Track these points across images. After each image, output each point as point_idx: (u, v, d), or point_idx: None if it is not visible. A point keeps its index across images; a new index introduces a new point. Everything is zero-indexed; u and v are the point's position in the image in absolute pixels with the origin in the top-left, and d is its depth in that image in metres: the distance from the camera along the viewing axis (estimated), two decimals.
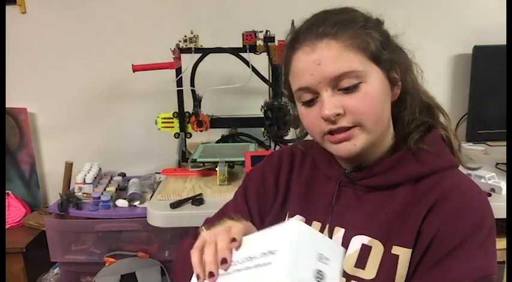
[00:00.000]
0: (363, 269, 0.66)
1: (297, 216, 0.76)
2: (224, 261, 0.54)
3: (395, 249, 0.66)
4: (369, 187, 0.72)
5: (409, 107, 0.72)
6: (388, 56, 0.67)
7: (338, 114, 0.65)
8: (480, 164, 0.85)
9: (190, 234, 0.75)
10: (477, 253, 0.63)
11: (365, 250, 0.67)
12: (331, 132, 0.67)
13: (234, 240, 0.55)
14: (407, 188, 0.69)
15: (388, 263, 0.65)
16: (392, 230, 0.67)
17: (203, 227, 0.71)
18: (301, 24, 0.70)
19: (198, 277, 0.55)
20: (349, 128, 0.66)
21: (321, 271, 0.45)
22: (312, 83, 0.65)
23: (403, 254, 0.65)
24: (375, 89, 0.66)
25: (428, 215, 0.66)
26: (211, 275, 0.53)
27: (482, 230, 0.64)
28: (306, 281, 0.43)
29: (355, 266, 0.67)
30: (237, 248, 0.54)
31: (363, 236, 0.68)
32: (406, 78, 0.71)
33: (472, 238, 0.63)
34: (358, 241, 0.68)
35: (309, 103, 0.68)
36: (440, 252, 0.64)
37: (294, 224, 0.47)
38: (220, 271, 0.53)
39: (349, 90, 0.65)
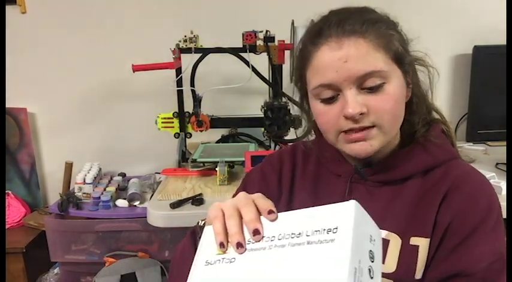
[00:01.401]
0: (383, 263, 0.66)
1: None
2: (257, 232, 0.49)
3: (414, 240, 0.67)
4: (380, 182, 0.73)
5: (418, 110, 0.73)
6: (409, 58, 0.68)
7: (362, 113, 0.64)
8: (479, 166, 0.88)
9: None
10: (490, 236, 0.65)
11: (383, 244, 0.67)
12: (348, 131, 0.66)
13: (271, 212, 0.51)
14: (416, 181, 0.71)
15: (408, 254, 0.67)
16: (408, 221, 0.68)
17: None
18: (320, 19, 0.69)
19: (221, 245, 0.50)
20: (366, 128, 0.66)
21: (372, 251, 0.46)
22: (336, 80, 0.64)
23: (423, 244, 0.67)
24: (396, 90, 0.66)
25: (442, 203, 0.68)
26: (240, 245, 0.49)
27: (493, 214, 0.66)
28: (365, 260, 0.44)
29: None
30: (273, 220, 0.51)
31: (380, 230, 0.68)
32: (416, 81, 0.72)
33: (485, 223, 0.65)
34: None
35: (329, 100, 0.67)
36: (455, 239, 0.65)
37: (352, 204, 0.46)
38: (252, 245, 0.49)
39: (373, 90, 0.64)
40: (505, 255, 0.66)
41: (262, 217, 0.52)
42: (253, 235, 0.50)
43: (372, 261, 0.45)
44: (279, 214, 0.51)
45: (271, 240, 0.48)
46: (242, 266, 0.48)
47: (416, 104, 0.73)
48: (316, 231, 0.46)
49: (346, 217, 0.45)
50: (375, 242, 0.47)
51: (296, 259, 0.45)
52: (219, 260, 0.50)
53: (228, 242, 0.51)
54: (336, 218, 0.46)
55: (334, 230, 0.45)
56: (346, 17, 0.65)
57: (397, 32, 0.68)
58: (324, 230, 0.45)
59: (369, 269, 0.44)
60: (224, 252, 0.50)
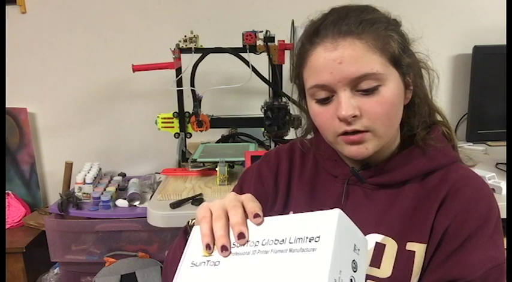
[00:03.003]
0: (378, 268, 0.66)
1: None
2: (242, 236, 0.49)
3: (411, 246, 0.66)
4: (378, 185, 0.72)
5: (419, 112, 0.72)
6: (407, 60, 0.66)
7: (355, 116, 0.64)
8: (479, 166, 0.87)
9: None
10: (488, 243, 0.64)
11: (379, 248, 0.67)
12: (344, 134, 0.66)
13: (256, 215, 0.51)
14: (415, 184, 0.70)
15: (404, 259, 0.66)
16: (405, 226, 0.67)
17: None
18: (319, 17, 0.68)
19: (208, 247, 0.51)
20: (361, 132, 0.65)
21: (355, 261, 0.45)
22: (330, 81, 0.63)
23: (419, 250, 0.66)
24: (392, 93, 0.65)
25: (440, 208, 0.67)
26: (224, 248, 0.49)
27: (491, 220, 0.66)
28: (347, 270, 0.44)
29: (369, 265, 0.67)
30: (259, 224, 0.51)
31: (376, 234, 0.68)
32: (418, 82, 0.70)
33: (482, 229, 0.65)
34: (371, 240, 0.68)
35: (324, 101, 0.66)
36: (453, 244, 0.65)
37: (336, 213, 0.46)
38: (237, 249, 0.50)
39: (368, 92, 0.63)
40: (503, 262, 0.65)
41: (249, 220, 0.52)
42: (238, 239, 0.50)
43: (355, 271, 0.45)
44: (266, 218, 0.51)
45: (255, 246, 0.49)
46: (225, 270, 0.48)
47: (418, 106, 0.71)
48: (299, 238, 0.46)
49: (328, 226, 0.45)
50: (359, 251, 0.47)
51: (277, 267, 0.45)
52: (204, 262, 0.51)
53: (214, 243, 0.51)
54: (319, 227, 0.46)
55: (317, 239, 0.45)
56: (344, 16, 0.64)
57: (397, 32, 0.67)
58: (307, 238, 0.46)
59: (351, 279, 0.44)
60: (210, 254, 0.51)
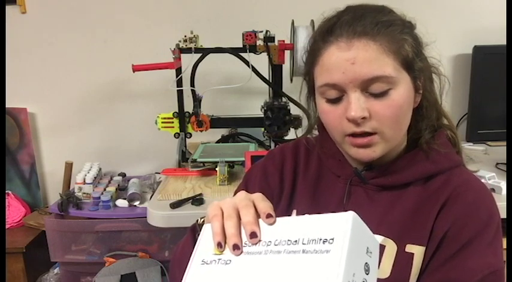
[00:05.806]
0: (378, 268, 0.66)
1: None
2: (254, 235, 0.49)
3: (410, 248, 0.66)
4: (380, 186, 0.72)
5: (427, 116, 0.72)
6: (419, 64, 0.66)
7: (364, 118, 0.63)
8: (479, 166, 0.87)
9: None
10: (486, 250, 0.64)
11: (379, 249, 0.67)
12: (353, 135, 0.66)
13: (269, 216, 0.51)
14: (417, 187, 0.70)
15: (403, 261, 0.66)
16: (405, 228, 0.68)
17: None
18: (334, 14, 0.67)
19: (219, 245, 0.50)
20: (370, 134, 0.65)
21: (367, 264, 0.45)
22: (342, 81, 0.63)
23: (418, 252, 0.66)
24: (402, 97, 0.64)
25: (441, 212, 0.67)
26: (236, 247, 0.49)
27: (491, 227, 0.65)
28: (359, 273, 0.44)
29: None
30: (271, 224, 0.50)
31: (376, 235, 0.68)
32: (428, 87, 0.70)
33: (482, 235, 0.65)
34: None
35: (333, 100, 0.66)
36: (451, 248, 0.65)
37: (350, 215, 0.46)
38: (248, 248, 0.49)
39: (379, 95, 0.63)
40: (501, 268, 0.65)
41: (260, 220, 0.51)
42: (250, 238, 0.49)
43: (367, 274, 0.45)
44: (278, 219, 0.51)
45: (268, 245, 0.48)
46: (237, 269, 0.48)
47: (427, 109, 0.71)
48: (312, 240, 0.46)
49: (343, 229, 0.45)
50: (371, 254, 0.46)
51: (290, 268, 0.45)
52: (215, 260, 0.50)
53: (226, 242, 0.50)
54: (333, 229, 0.46)
55: (331, 241, 0.45)
56: (360, 16, 0.64)
57: (412, 36, 0.66)
58: (320, 239, 0.45)
59: None
60: (221, 253, 0.51)
